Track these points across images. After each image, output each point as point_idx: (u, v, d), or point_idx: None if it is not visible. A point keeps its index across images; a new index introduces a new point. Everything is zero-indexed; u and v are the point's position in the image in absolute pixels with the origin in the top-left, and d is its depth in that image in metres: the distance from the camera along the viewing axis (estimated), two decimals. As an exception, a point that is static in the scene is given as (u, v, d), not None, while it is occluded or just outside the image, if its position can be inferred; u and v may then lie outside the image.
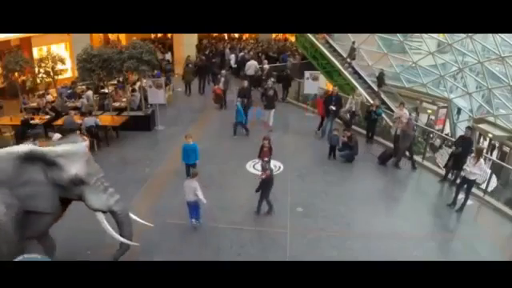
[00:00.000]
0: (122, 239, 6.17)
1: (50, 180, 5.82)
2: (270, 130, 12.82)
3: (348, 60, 19.23)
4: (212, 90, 16.00)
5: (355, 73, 19.03)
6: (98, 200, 5.99)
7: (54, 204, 5.94)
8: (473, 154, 8.98)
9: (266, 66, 17.40)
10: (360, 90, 17.13)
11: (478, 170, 8.73)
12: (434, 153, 12.66)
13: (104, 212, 6.11)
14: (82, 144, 6.15)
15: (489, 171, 10.70)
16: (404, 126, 10.93)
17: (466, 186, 9.05)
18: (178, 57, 21.41)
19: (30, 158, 5.67)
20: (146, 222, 6.84)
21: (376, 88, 18.20)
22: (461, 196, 9.78)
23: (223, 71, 16.45)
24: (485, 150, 15.99)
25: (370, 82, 18.82)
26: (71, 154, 5.86)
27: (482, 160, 8.77)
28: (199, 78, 17.84)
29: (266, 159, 9.39)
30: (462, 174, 9.23)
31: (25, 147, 5.78)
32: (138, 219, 6.67)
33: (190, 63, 18.35)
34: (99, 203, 6.01)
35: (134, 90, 14.72)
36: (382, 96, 18.15)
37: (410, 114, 12.38)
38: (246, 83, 13.82)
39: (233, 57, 21.31)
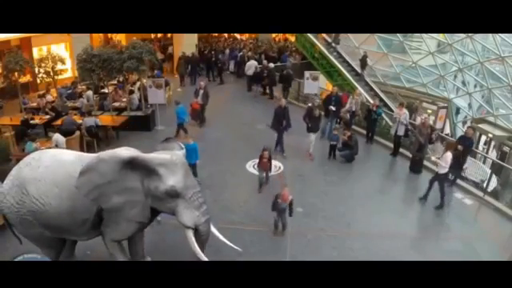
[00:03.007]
0: (205, 258, 5.82)
1: (145, 189, 5.66)
2: (311, 159, 11.43)
3: (333, 45, 19.47)
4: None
5: (340, 57, 19.36)
6: (190, 216, 5.69)
7: (145, 214, 5.81)
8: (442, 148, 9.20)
9: (271, 65, 17.29)
10: (360, 89, 17.15)
11: (443, 162, 8.83)
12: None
13: (193, 229, 5.80)
14: (180, 153, 5.90)
15: (488, 171, 10.72)
16: (419, 125, 11.03)
17: (438, 180, 9.16)
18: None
19: (130, 164, 5.56)
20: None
21: (360, 70, 18.51)
22: (461, 196, 9.82)
23: (202, 82, 14.43)
24: (481, 148, 16.00)
25: (354, 66, 19.03)
26: (171, 164, 5.62)
27: (448, 153, 8.86)
28: (190, 71, 19.18)
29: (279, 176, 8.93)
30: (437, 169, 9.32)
31: (128, 152, 5.65)
32: (222, 238, 6.33)
33: (183, 58, 19.35)
34: (191, 220, 5.71)
35: (131, 92, 14.68)
36: (366, 78, 18.50)
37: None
38: (283, 102, 11.62)
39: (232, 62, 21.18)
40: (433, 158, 9.29)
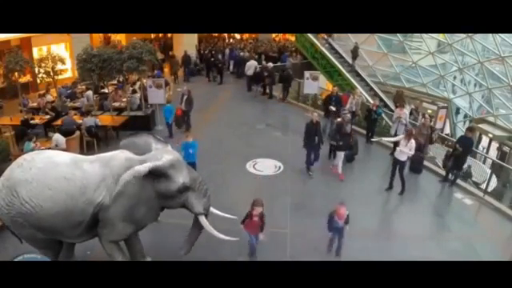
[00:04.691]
0: (226, 238, 6.28)
1: (156, 193, 5.85)
2: (341, 180, 10.26)
3: (325, 37, 19.83)
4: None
5: (332, 48, 19.76)
6: (201, 204, 6.13)
7: (157, 215, 6.15)
8: (402, 136, 9.74)
9: (270, 64, 17.32)
10: (360, 89, 17.15)
11: (407, 149, 9.23)
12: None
13: (206, 215, 6.25)
14: (171, 149, 6.21)
15: (488, 171, 10.72)
16: (420, 125, 11.09)
17: (398, 167, 9.54)
18: (178, 57, 21.47)
19: (148, 176, 5.68)
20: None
21: (351, 61, 18.91)
22: (461, 196, 9.82)
23: (185, 87, 13.83)
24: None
25: (346, 57, 19.40)
26: (177, 162, 5.93)
27: (412, 140, 9.30)
28: (183, 68, 20.07)
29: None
30: (395, 155, 9.65)
31: (147, 165, 5.65)
32: (220, 213, 6.71)
33: (175, 56, 20.42)
34: (202, 207, 6.15)
35: (134, 92, 14.69)
36: (357, 68, 18.84)
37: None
38: (315, 116, 10.27)
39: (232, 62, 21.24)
40: (399, 147, 9.58)
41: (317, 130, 10.16)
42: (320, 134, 10.29)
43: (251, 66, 17.70)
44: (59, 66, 14.11)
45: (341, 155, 10.27)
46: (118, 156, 5.91)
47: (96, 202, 5.58)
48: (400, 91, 16.40)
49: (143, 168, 5.61)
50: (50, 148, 9.20)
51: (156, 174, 5.72)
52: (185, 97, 13.15)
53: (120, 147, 6.19)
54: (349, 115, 10.81)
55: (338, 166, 10.32)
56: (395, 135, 11.73)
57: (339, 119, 10.62)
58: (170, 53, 21.32)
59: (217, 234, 6.23)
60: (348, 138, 10.16)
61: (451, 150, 10.67)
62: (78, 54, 12.56)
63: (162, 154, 5.86)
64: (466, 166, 10.83)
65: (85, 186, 5.53)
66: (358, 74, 18.86)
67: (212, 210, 6.51)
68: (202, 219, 6.17)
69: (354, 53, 18.61)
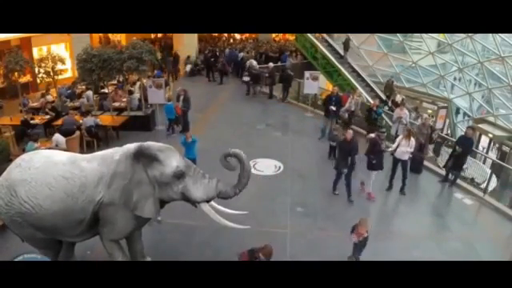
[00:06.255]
0: (235, 226, 6.10)
1: (151, 179, 5.70)
2: (369, 199, 9.38)
3: (325, 37, 20.31)
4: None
5: (325, 41, 20.21)
6: (201, 188, 5.83)
7: (157, 208, 5.86)
8: (401, 136, 9.71)
9: (271, 64, 17.33)
10: (360, 89, 17.16)
11: (409, 148, 9.34)
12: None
13: (208, 201, 5.95)
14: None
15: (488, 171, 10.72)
16: (420, 125, 11.06)
17: (402, 166, 9.56)
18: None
19: (137, 155, 5.61)
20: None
21: (343, 53, 19.32)
22: (461, 196, 9.82)
23: (180, 87, 14.03)
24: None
25: (338, 49, 19.70)
26: (166, 148, 5.83)
27: (412, 139, 9.46)
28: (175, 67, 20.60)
29: None
30: (395, 155, 9.56)
31: (133, 144, 5.70)
32: (229, 211, 6.38)
33: (170, 56, 21.00)
34: (203, 192, 5.84)
35: (130, 93, 14.64)
36: (349, 60, 19.13)
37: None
38: (350, 133, 9.02)
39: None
40: (397, 149, 9.49)
41: (352, 149, 8.89)
42: (355, 154, 8.98)
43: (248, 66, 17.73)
44: (59, 66, 14.09)
45: (372, 175, 9.23)
46: (115, 153, 5.90)
47: (96, 199, 5.57)
48: (390, 81, 16.48)
49: (131, 146, 5.68)
50: (50, 148, 9.19)
51: (145, 157, 5.63)
52: (181, 97, 13.18)
53: None
54: (385, 133, 10.02)
55: (368, 186, 9.42)
56: (396, 135, 11.75)
57: (373, 135, 9.78)
58: (164, 53, 21.74)
59: (224, 222, 5.98)
60: (382, 156, 9.09)
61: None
62: (78, 53, 12.55)
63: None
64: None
65: (84, 185, 5.52)
66: (351, 67, 19.04)
67: (219, 207, 6.21)
68: (205, 207, 5.91)
69: (346, 45, 18.98)
